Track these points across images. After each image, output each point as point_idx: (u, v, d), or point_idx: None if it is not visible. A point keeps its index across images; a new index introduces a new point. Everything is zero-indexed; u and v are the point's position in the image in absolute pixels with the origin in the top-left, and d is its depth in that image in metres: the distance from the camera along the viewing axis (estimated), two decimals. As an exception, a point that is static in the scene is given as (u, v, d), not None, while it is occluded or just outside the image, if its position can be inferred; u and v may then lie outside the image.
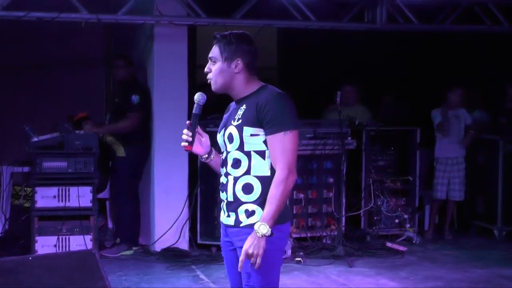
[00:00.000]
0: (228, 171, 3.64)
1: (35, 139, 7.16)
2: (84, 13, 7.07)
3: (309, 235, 7.90)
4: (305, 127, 7.87)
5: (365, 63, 10.04)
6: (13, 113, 9.02)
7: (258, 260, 3.41)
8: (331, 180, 8.08)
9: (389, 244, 7.82)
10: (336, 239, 7.72)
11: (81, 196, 6.99)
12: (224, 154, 3.67)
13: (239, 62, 3.61)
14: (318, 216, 8.04)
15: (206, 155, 3.77)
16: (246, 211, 3.57)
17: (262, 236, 3.40)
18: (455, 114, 8.64)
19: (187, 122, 3.67)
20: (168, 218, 7.61)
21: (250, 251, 3.41)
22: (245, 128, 3.56)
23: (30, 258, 4.77)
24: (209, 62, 3.69)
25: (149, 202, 7.86)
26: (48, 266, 4.29)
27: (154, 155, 7.77)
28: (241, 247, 3.50)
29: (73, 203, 7.00)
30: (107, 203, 8.49)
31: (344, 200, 7.99)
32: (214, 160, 3.79)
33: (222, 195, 3.68)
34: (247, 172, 3.57)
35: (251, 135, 3.56)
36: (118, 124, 7.71)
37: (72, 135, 7.18)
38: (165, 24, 7.52)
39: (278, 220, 3.50)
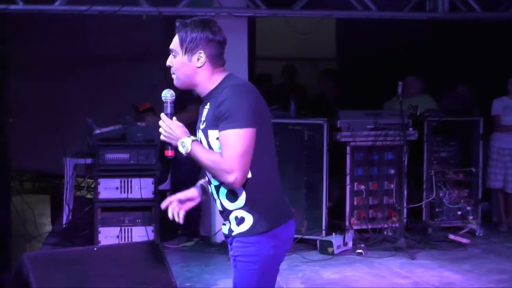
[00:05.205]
0: (210, 179, 3.33)
1: (98, 131, 7.24)
2: (145, 6, 7.17)
3: (370, 227, 7.83)
4: (366, 118, 7.82)
5: (427, 53, 9.88)
6: (76, 106, 9.18)
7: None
8: (392, 171, 7.99)
9: (451, 236, 7.71)
10: (398, 231, 7.64)
11: (143, 188, 7.02)
12: None
13: (201, 54, 3.25)
14: (379, 207, 7.97)
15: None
16: (236, 218, 3.27)
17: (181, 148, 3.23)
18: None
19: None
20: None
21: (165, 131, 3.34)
22: (209, 131, 3.24)
23: (95, 249, 4.87)
24: (170, 54, 3.31)
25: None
26: (113, 257, 4.36)
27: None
28: (233, 256, 3.31)
29: (135, 194, 7.02)
30: (168, 194, 8.55)
31: (405, 192, 7.89)
32: None
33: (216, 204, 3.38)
34: None
35: (217, 138, 3.21)
36: (179, 116, 7.72)
37: (134, 127, 7.23)
38: (225, 16, 7.52)
39: (269, 224, 3.24)
